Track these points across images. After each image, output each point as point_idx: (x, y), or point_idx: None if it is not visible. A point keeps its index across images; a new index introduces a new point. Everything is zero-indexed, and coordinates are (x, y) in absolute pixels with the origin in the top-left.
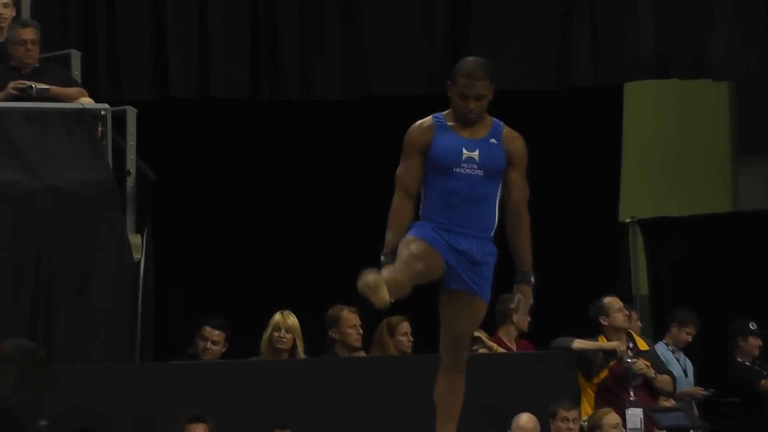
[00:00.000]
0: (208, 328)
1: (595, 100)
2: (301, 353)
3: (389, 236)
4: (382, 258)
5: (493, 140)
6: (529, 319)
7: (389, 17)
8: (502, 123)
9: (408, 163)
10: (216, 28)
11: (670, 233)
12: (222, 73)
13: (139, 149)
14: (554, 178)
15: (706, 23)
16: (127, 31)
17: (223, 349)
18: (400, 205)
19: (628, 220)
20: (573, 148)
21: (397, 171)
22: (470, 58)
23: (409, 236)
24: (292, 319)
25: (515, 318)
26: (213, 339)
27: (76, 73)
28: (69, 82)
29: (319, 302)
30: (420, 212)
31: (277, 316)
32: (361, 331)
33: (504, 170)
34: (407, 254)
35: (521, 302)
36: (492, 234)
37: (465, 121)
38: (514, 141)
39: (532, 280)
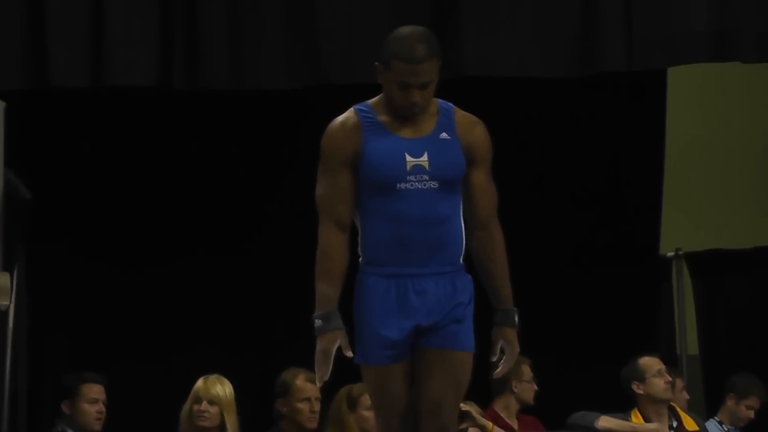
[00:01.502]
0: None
1: (628, 91)
2: None
3: (321, 289)
4: (317, 323)
5: (444, 135)
6: (535, 387)
7: None
8: (451, 105)
9: (332, 181)
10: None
11: (729, 272)
12: (121, 57)
13: (7, 156)
14: (571, 195)
15: None
16: None
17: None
18: (331, 242)
19: (671, 254)
20: (598, 155)
21: (318, 192)
22: (406, 29)
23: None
24: (219, 388)
25: (515, 384)
26: (93, 397)
27: None
28: None
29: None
30: (360, 250)
31: (199, 383)
32: (317, 407)
33: (462, 171)
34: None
35: (507, 352)
36: (461, 260)
37: (403, 115)
38: (472, 130)
39: (517, 319)
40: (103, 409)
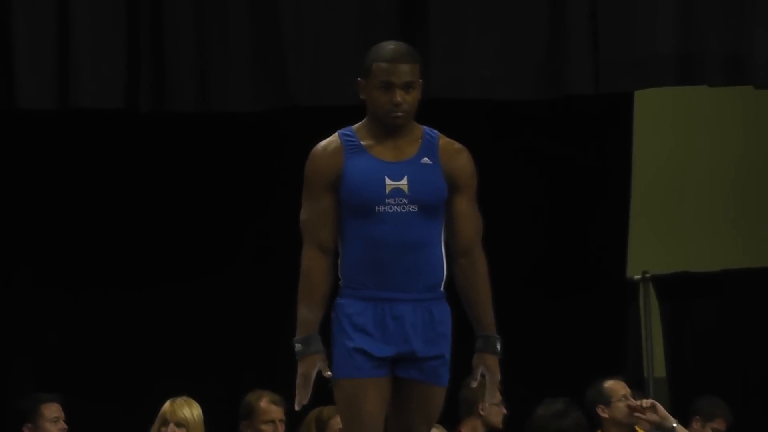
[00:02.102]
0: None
1: (594, 114)
2: None
3: (302, 313)
4: (297, 347)
5: (426, 159)
6: (504, 410)
7: (315, 9)
8: (436, 132)
9: (315, 205)
10: (80, 20)
11: (695, 295)
12: (87, 79)
13: None
14: (537, 217)
15: (746, 11)
16: None
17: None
18: (313, 266)
19: (638, 277)
20: (565, 177)
21: (302, 217)
22: (389, 42)
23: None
24: (187, 410)
25: (482, 407)
26: (54, 416)
27: None
28: None
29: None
30: (339, 272)
31: (167, 405)
32: (281, 430)
33: (445, 200)
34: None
35: (487, 379)
36: (441, 289)
37: (389, 128)
38: (456, 157)
39: (498, 347)
40: (65, 426)
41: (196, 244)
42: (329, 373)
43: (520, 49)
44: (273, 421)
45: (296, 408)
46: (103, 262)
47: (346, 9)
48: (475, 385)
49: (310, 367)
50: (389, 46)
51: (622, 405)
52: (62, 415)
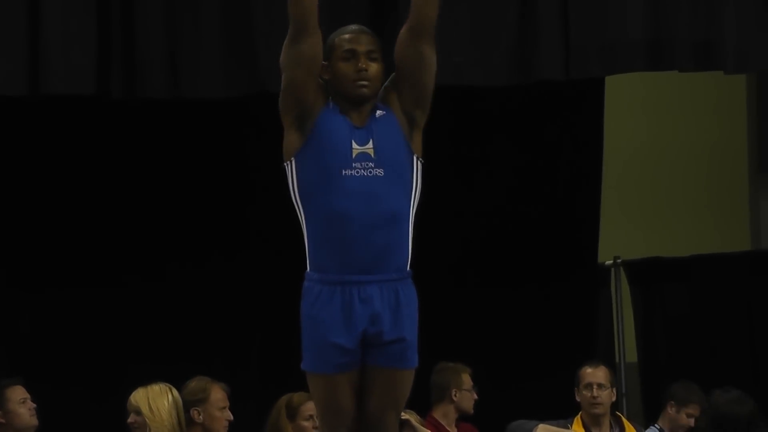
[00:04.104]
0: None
1: (565, 100)
2: None
3: None
4: None
5: (380, 112)
6: (475, 396)
7: None
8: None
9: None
10: (50, 6)
11: (666, 279)
12: (58, 65)
13: None
14: (509, 202)
15: None
16: None
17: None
18: None
19: (609, 262)
20: (535, 164)
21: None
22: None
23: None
24: (142, 397)
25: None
26: (20, 398)
27: None
28: None
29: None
30: (307, 254)
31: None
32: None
33: (410, 158)
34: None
35: None
36: (408, 267)
37: (355, 101)
38: (389, 89)
39: None
40: (34, 404)
41: (169, 234)
42: None
43: (492, 35)
44: (225, 408)
45: None
46: (75, 255)
47: None
48: None
49: None
50: (349, 25)
51: (584, 393)
52: (28, 395)
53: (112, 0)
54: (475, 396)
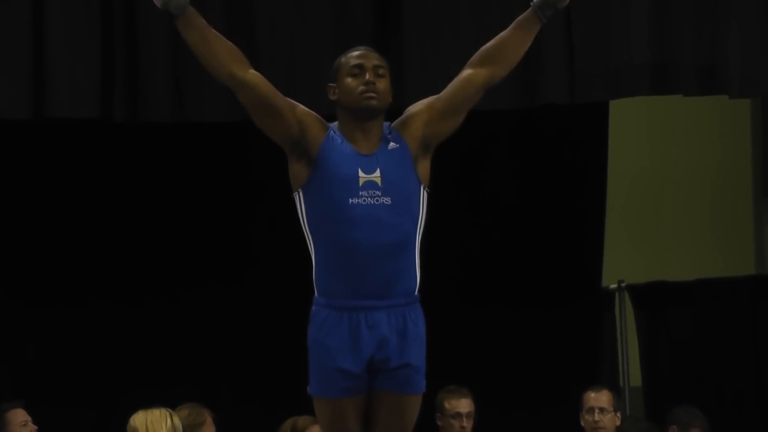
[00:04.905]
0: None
1: (570, 124)
2: None
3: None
4: None
5: (392, 144)
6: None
7: (289, 18)
8: (387, 122)
9: (282, 99)
10: (55, 30)
11: (671, 303)
12: (62, 89)
13: None
14: (513, 226)
15: (721, 22)
16: None
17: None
18: (234, 48)
19: (613, 286)
20: (539, 186)
21: None
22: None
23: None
24: (140, 419)
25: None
26: (21, 420)
27: None
28: None
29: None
30: (314, 281)
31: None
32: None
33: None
34: None
35: None
36: (416, 292)
37: (363, 114)
38: (409, 122)
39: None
40: (35, 427)
41: (173, 257)
42: None
43: None
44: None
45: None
46: (79, 276)
47: (320, 19)
48: None
49: None
50: (356, 48)
51: (586, 417)
52: (29, 418)
53: (116, 23)
54: (463, 423)
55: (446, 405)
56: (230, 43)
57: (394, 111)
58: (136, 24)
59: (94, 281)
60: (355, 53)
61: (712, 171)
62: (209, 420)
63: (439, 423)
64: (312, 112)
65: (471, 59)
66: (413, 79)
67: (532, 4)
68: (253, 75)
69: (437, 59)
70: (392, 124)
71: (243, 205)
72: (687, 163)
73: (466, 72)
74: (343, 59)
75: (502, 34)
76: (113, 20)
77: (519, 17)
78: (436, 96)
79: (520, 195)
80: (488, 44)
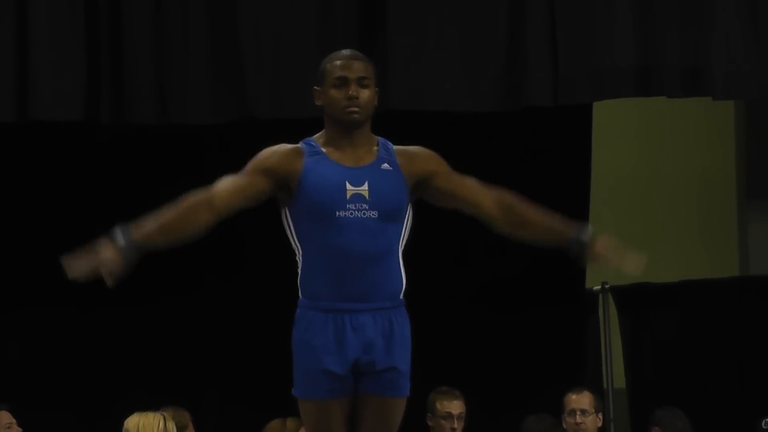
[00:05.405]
0: None
1: (553, 126)
2: None
3: (148, 223)
4: (118, 232)
5: (385, 165)
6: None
7: (274, 22)
8: (389, 141)
9: (243, 177)
10: (39, 33)
11: (655, 305)
12: (47, 91)
13: None
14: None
15: (704, 24)
16: None
17: None
18: (192, 202)
19: (597, 288)
20: (524, 188)
21: (219, 180)
22: (343, 50)
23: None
24: (133, 421)
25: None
26: (6, 422)
27: None
28: None
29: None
30: (299, 284)
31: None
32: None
33: (405, 206)
34: None
35: (612, 256)
36: (401, 296)
37: (347, 127)
38: (415, 157)
39: (586, 236)
40: (19, 429)
41: (156, 261)
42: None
43: (480, 61)
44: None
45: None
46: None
47: (304, 21)
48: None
49: (112, 257)
50: (342, 51)
51: (567, 419)
52: (14, 420)
53: (101, 26)
54: (454, 425)
55: (437, 406)
56: (182, 206)
57: (379, 113)
58: (120, 27)
59: (80, 283)
60: (339, 62)
61: (696, 173)
62: (190, 423)
63: (429, 423)
64: (274, 150)
65: (499, 191)
66: (397, 80)
67: (575, 236)
68: (219, 200)
69: (421, 61)
70: (395, 147)
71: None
72: (671, 165)
73: (483, 194)
74: (328, 66)
75: (538, 212)
76: (98, 23)
77: (563, 223)
78: (451, 169)
79: None
80: (521, 202)
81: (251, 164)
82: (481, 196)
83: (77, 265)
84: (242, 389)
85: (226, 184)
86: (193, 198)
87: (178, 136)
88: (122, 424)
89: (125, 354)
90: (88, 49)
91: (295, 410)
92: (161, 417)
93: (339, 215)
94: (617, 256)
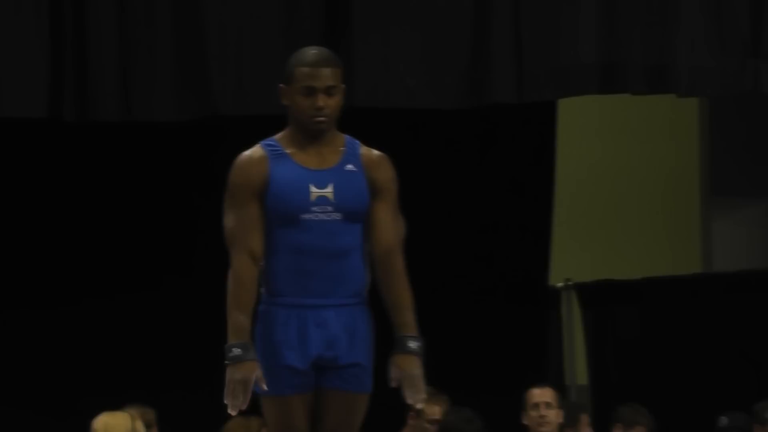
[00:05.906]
0: None
1: (517, 123)
2: None
3: (238, 319)
4: (235, 351)
5: (350, 167)
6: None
7: (238, 18)
8: (357, 141)
9: (242, 213)
10: (2, 29)
11: (618, 302)
12: (10, 88)
13: None
14: (459, 224)
15: (669, 21)
16: None
17: None
18: (245, 273)
19: (560, 285)
20: (488, 185)
21: (229, 225)
22: (311, 47)
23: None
24: (101, 421)
25: (414, 402)
26: None
27: None
28: None
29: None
30: (263, 280)
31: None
32: None
33: (369, 207)
34: None
35: (405, 380)
36: (364, 293)
37: (312, 133)
38: (378, 164)
39: (414, 346)
40: None
41: (122, 258)
42: (265, 386)
43: (444, 57)
44: None
45: (232, 413)
46: (26, 278)
47: (269, 18)
48: (393, 385)
49: (249, 373)
50: (311, 51)
51: (532, 414)
52: None
53: (65, 23)
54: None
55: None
56: (245, 283)
57: (345, 110)
58: (84, 23)
59: (39, 283)
60: (307, 70)
61: (659, 170)
62: (153, 421)
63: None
64: (241, 167)
65: (398, 249)
66: (362, 77)
67: (402, 336)
68: (257, 250)
69: (386, 59)
70: (362, 149)
71: (192, 202)
72: (635, 162)
73: (385, 237)
74: (296, 70)
75: (400, 288)
76: (62, 19)
77: (406, 317)
78: (395, 196)
79: (467, 193)
80: (397, 273)
81: (234, 192)
82: (382, 237)
83: (240, 402)
84: (205, 387)
85: (243, 230)
86: (244, 268)
87: (144, 132)
88: (87, 424)
89: (86, 352)
90: (52, 46)
91: (258, 409)
92: (129, 416)
93: (303, 218)
94: (407, 383)
